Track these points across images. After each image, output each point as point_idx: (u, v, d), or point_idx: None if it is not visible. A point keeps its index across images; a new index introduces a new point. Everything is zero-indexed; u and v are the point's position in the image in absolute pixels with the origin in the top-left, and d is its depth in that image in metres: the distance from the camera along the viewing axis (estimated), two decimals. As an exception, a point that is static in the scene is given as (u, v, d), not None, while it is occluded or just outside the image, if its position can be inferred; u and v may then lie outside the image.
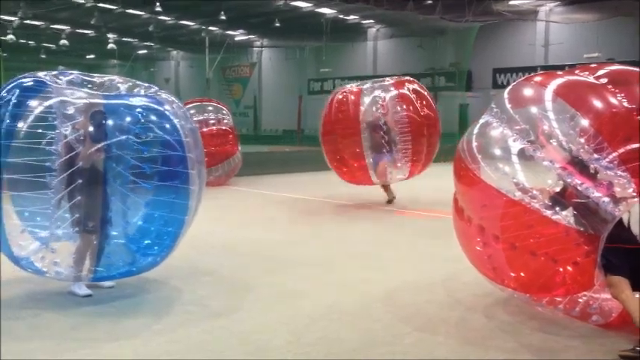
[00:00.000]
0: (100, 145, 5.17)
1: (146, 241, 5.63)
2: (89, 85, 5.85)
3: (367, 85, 11.53)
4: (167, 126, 5.40)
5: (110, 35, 36.34)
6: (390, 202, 11.56)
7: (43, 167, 5.04)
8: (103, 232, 5.44)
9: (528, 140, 4.66)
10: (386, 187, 11.62)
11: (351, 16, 34.02)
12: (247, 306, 5.54)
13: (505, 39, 31.59)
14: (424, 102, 11.16)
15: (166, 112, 5.48)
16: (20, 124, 5.09)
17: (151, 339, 4.70)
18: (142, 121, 5.27)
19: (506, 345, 4.58)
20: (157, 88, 6.03)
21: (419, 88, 11.40)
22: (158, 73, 51.08)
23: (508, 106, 5.02)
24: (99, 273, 5.56)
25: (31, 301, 5.59)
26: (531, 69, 24.85)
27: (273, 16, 31.48)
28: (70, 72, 5.94)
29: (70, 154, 5.09)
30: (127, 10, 31.78)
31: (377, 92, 11.05)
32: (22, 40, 36.24)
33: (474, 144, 5.15)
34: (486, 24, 28.57)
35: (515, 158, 4.77)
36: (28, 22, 32.77)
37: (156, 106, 5.50)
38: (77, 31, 36.61)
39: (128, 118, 5.29)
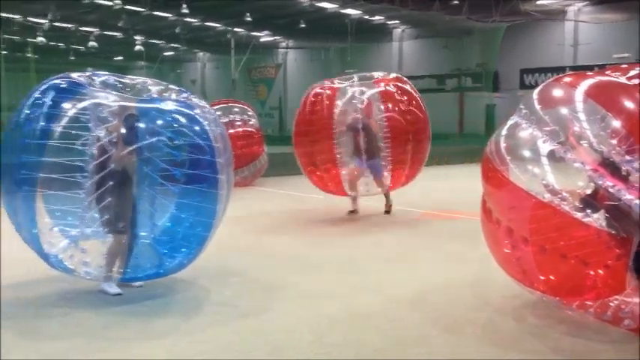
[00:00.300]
0: (131, 148, 5.23)
1: (173, 244, 5.67)
2: (121, 86, 5.92)
3: (351, 81, 10.06)
4: (198, 130, 5.44)
5: (137, 37, 36.78)
6: (352, 212, 10.32)
7: (75, 167, 5.11)
8: (131, 233, 5.52)
9: (558, 142, 4.61)
10: (354, 199, 10.34)
11: (377, 17, 33.96)
12: (274, 306, 5.57)
13: (533, 39, 31.27)
14: (413, 103, 9.71)
15: (197, 116, 5.53)
16: (54, 125, 5.16)
17: (180, 339, 4.75)
18: (175, 125, 5.31)
19: (535, 348, 4.54)
20: (189, 92, 6.08)
21: (407, 87, 9.88)
22: (184, 74, 51.53)
23: (537, 107, 4.97)
24: (127, 274, 5.64)
25: (62, 299, 5.68)
26: (559, 69, 24.59)
27: (298, 17, 31.58)
28: (102, 73, 6.02)
29: (104, 157, 5.15)
30: (154, 12, 32.12)
31: (356, 91, 9.60)
32: (52, 43, 36.87)
33: (503, 145, 5.11)
34: (514, 24, 28.32)
35: (544, 160, 4.72)
36: (57, 24, 33.29)
37: (187, 111, 5.55)
38: (105, 33, 37.11)
39: (160, 122, 5.35)
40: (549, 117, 4.83)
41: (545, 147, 4.69)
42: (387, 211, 10.44)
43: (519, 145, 5.00)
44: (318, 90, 10.05)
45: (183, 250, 5.66)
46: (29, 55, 35.57)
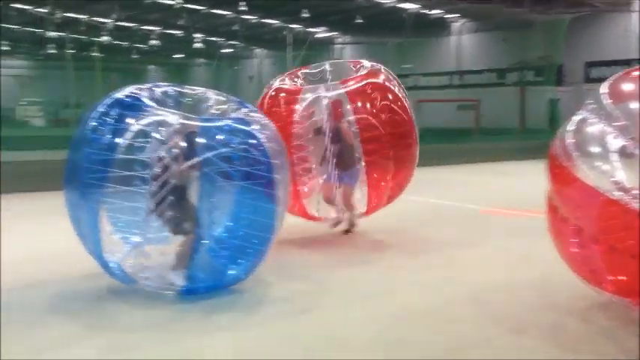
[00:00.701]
0: (191, 163, 5.31)
1: (231, 255, 5.64)
2: (181, 97, 6.04)
3: (321, 69, 8.32)
4: (255, 143, 5.48)
5: (197, 35, 37.48)
6: (347, 231, 8.24)
7: (138, 179, 5.15)
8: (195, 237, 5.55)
9: (630, 137, 4.45)
10: (348, 208, 8.02)
11: (435, 11, 33.58)
12: (333, 303, 5.58)
13: (598, 31, 30.24)
14: (398, 103, 7.70)
15: (255, 133, 5.57)
16: (119, 140, 5.25)
17: (240, 334, 4.81)
18: (232, 145, 5.35)
19: (603, 350, 4.41)
20: (249, 107, 6.12)
21: (388, 85, 7.79)
22: (242, 70, 52.14)
23: (607, 101, 4.80)
24: (186, 286, 5.59)
25: (121, 293, 5.73)
26: (626, 62, 23.70)
27: (354, 12, 31.53)
28: (162, 84, 6.15)
29: (165, 172, 5.25)
30: (213, 11, 32.66)
31: (321, 90, 7.57)
32: (115, 41, 38.01)
33: (570, 141, 4.95)
34: (577, 16, 27.50)
35: (614, 156, 4.56)
36: (121, 24, 34.26)
37: (246, 128, 5.60)
38: (166, 31, 37.99)
39: (219, 138, 5.37)
40: (620, 111, 4.67)
41: (615, 143, 4.52)
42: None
43: (587, 140, 4.85)
44: (278, 86, 8.05)
45: (240, 261, 5.66)
46: (94, 53, 36.72)
